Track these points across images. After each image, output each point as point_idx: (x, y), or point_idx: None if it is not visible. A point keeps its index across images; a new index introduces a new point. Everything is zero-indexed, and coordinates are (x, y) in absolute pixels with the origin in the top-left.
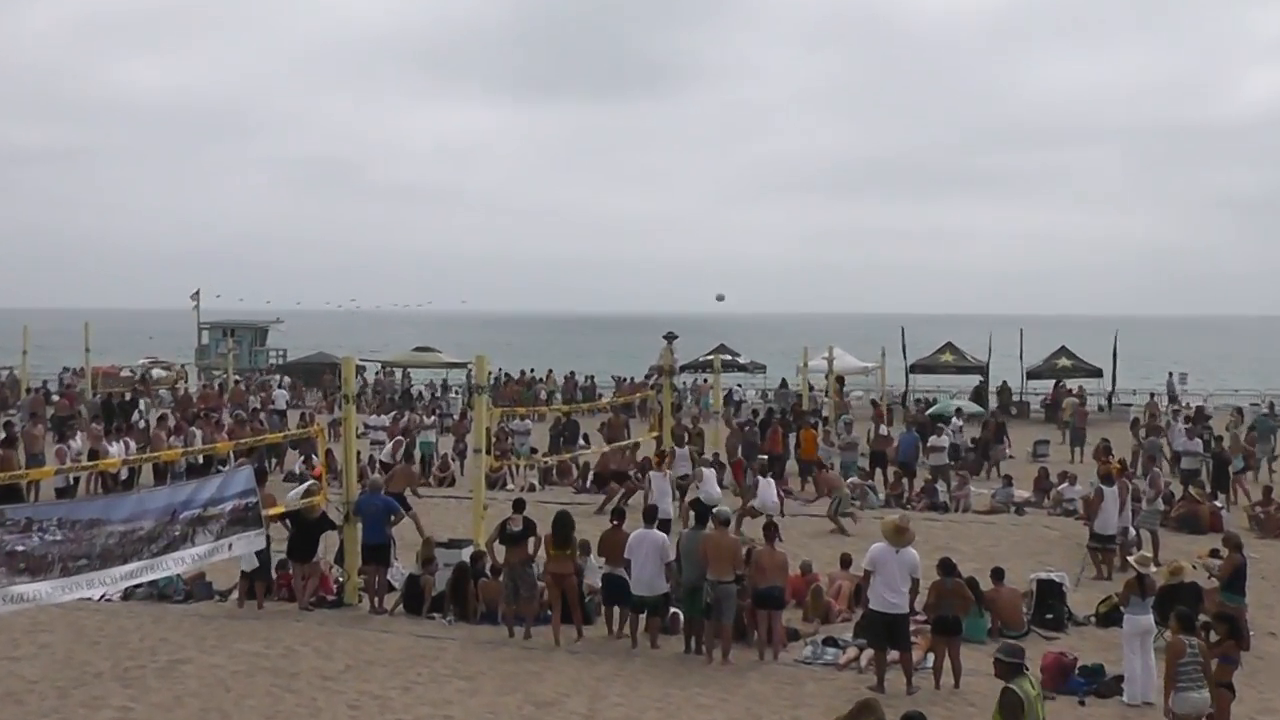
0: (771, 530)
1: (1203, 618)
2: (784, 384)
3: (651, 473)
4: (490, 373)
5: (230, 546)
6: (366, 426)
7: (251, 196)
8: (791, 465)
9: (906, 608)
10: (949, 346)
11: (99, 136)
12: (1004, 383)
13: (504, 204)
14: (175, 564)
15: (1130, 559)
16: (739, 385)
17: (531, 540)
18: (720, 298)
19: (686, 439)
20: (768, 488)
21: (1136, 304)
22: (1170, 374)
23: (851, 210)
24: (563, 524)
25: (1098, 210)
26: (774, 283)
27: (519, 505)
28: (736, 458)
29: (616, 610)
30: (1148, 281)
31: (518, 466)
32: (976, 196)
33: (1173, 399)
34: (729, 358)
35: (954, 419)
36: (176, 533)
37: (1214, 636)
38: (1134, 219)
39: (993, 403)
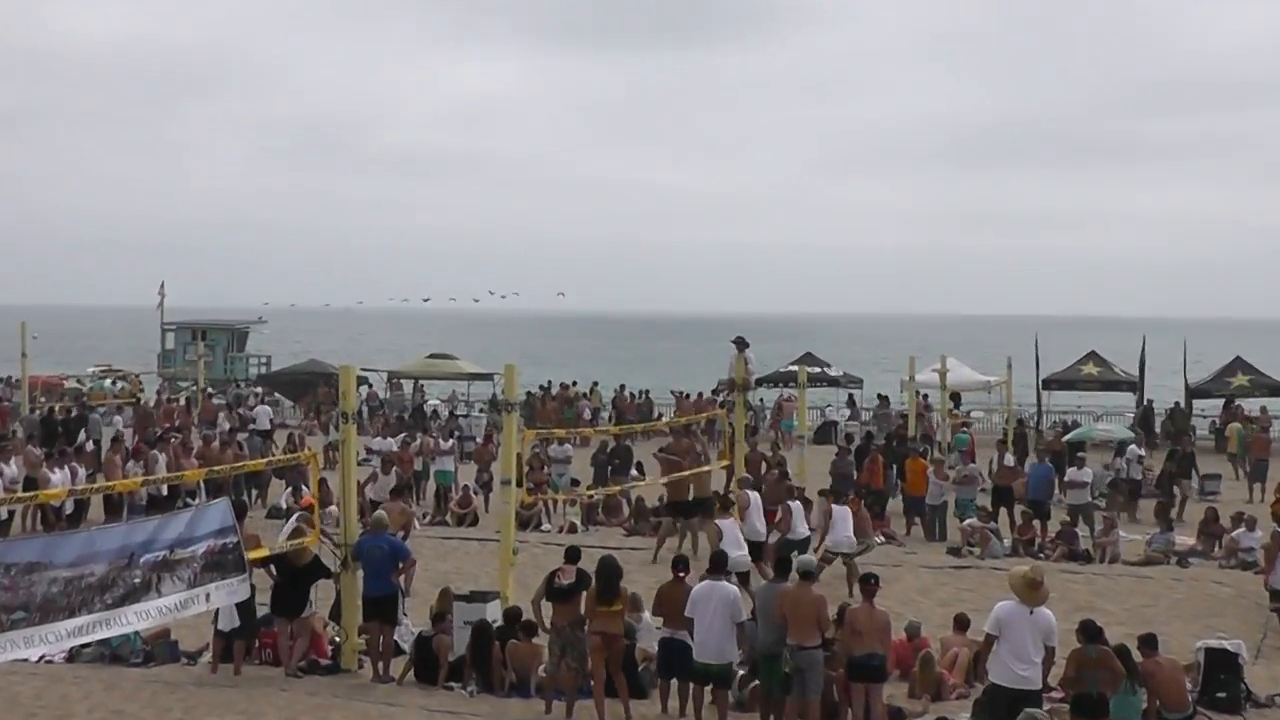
0: (870, 584)
1: None
2: (883, 402)
3: (720, 521)
4: (524, 387)
5: (207, 597)
6: (369, 451)
7: (228, 168)
8: (895, 503)
9: (1039, 682)
10: (1092, 356)
11: (39, 96)
12: (1176, 404)
13: (537, 176)
14: (137, 618)
15: None
16: (830, 404)
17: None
18: (560, 295)
19: (764, 469)
20: (843, 520)
21: None
22: None
23: (975, 186)
24: (608, 573)
25: None
26: (874, 276)
27: (572, 554)
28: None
29: (675, 682)
30: None
31: (555, 502)
32: (1131, 170)
33: None
34: (817, 369)
35: (1131, 447)
36: (137, 580)
37: None
38: None
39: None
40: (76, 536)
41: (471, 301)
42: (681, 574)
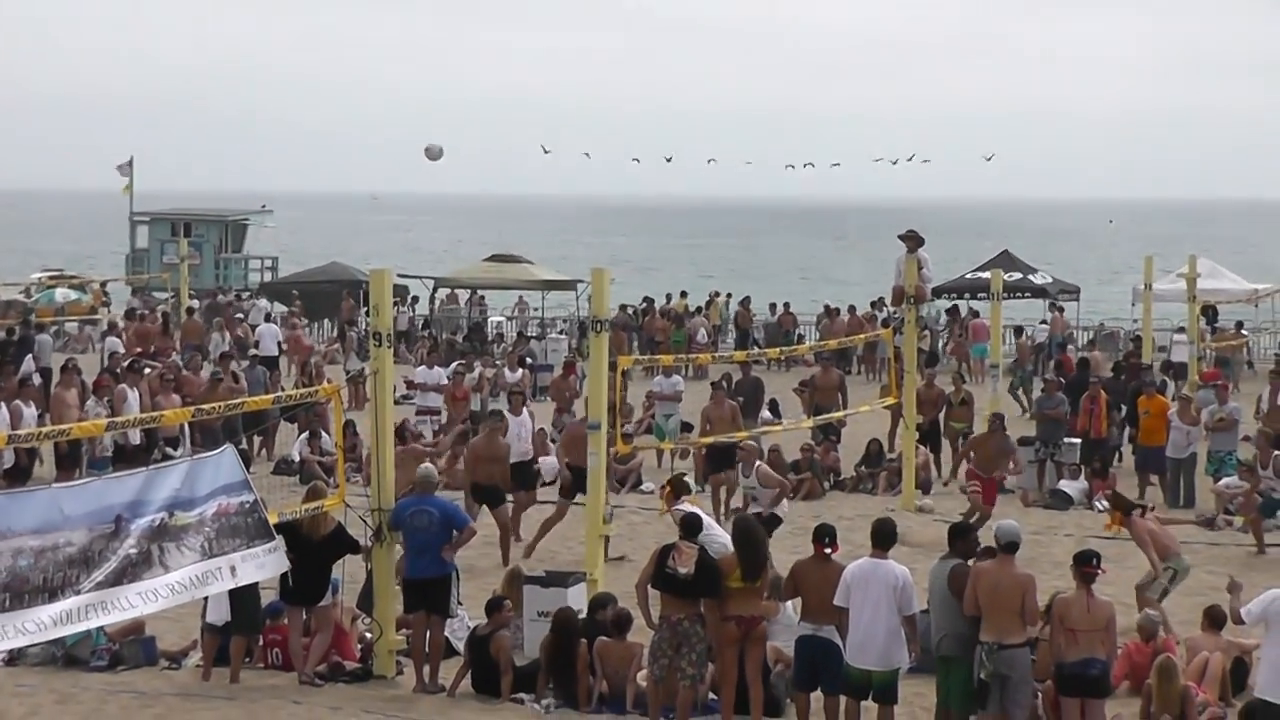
0: (1089, 565)
1: None
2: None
3: None
4: (618, 299)
5: (233, 570)
6: (411, 385)
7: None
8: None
9: None
10: None
11: None
12: None
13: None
14: (142, 600)
15: None
16: (1035, 321)
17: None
18: (374, 197)
19: (947, 410)
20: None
21: None
22: None
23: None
24: (751, 538)
25: None
26: (1100, 146)
27: (692, 525)
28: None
29: (820, 694)
30: None
31: (662, 453)
32: None
33: None
34: (1018, 275)
35: None
36: (132, 551)
37: None
38: None
39: None
40: (35, 495)
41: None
42: (828, 548)
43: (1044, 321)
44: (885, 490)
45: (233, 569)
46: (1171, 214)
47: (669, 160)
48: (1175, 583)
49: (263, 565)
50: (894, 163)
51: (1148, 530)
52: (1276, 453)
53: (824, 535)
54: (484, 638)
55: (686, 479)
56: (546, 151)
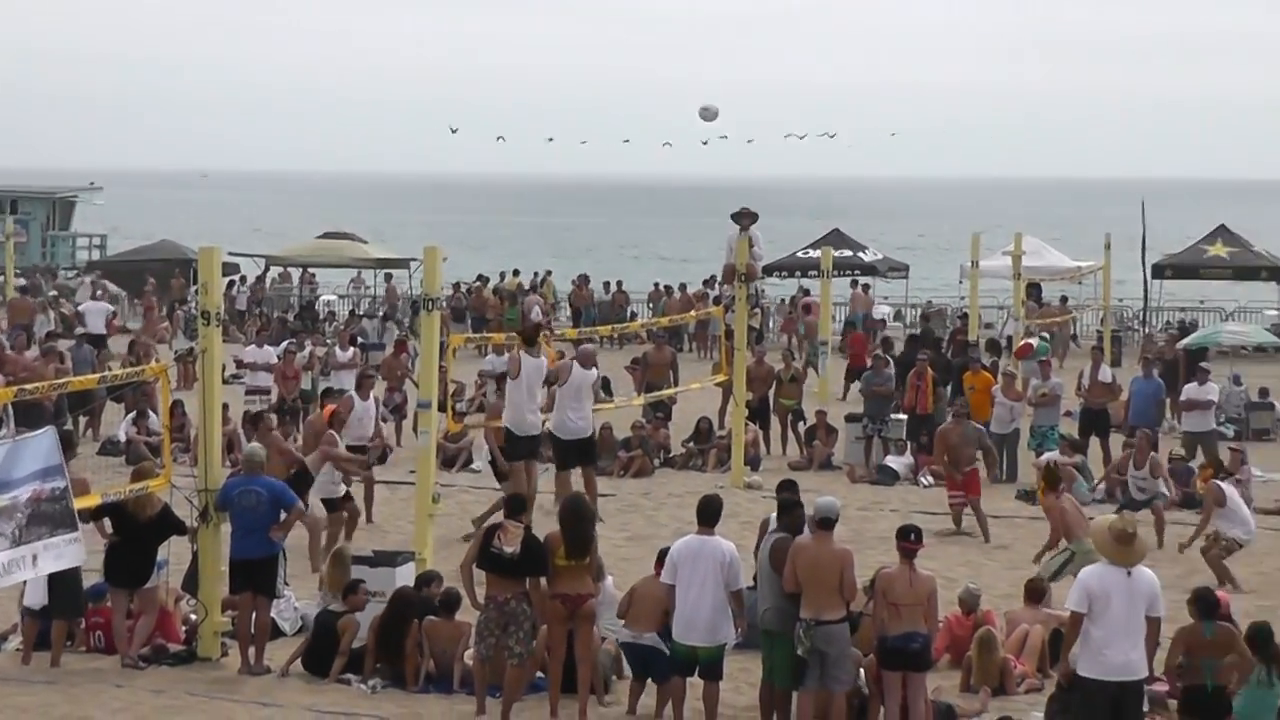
0: (910, 540)
1: None
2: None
3: None
4: (451, 277)
5: (35, 560)
6: (241, 364)
7: None
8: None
9: (1143, 668)
10: (1221, 233)
11: None
12: None
13: None
14: None
15: None
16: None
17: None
18: (204, 175)
19: (777, 387)
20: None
21: None
22: None
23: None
24: (577, 516)
25: None
26: (930, 129)
27: (515, 504)
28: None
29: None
30: None
31: (492, 432)
32: None
33: None
34: (848, 252)
35: None
36: None
37: None
38: None
39: None
40: None
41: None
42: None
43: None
44: (715, 467)
45: (34, 558)
46: (995, 190)
47: (500, 140)
48: (1072, 566)
49: (61, 555)
50: (723, 137)
51: (1062, 510)
52: (1154, 454)
53: (661, 556)
54: (335, 615)
55: None
56: (454, 131)
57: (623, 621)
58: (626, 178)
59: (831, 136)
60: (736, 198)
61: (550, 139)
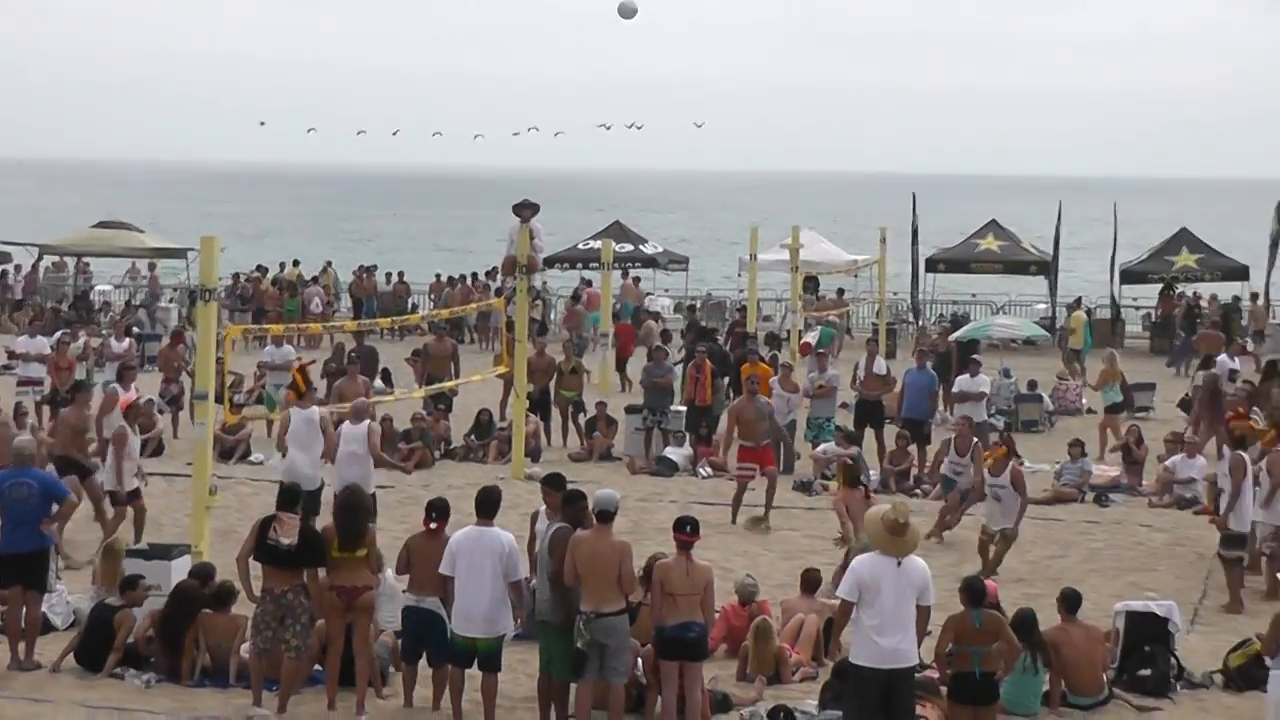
0: (686, 531)
1: None
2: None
3: None
4: (229, 267)
5: None
6: (13, 355)
7: None
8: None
9: (913, 656)
10: (992, 228)
11: None
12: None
13: None
14: None
15: None
16: (649, 292)
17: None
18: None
19: (558, 379)
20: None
21: None
22: None
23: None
24: (352, 508)
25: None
26: (716, 121)
27: (290, 496)
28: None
29: (425, 665)
30: None
31: (271, 423)
32: None
33: None
34: (629, 246)
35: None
36: None
37: None
38: None
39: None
40: None
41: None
42: (436, 522)
43: (649, 294)
44: (495, 459)
45: None
46: (775, 186)
47: (310, 131)
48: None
49: None
50: (533, 129)
51: (853, 501)
52: (976, 440)
53: (435, 509)
54: (111, 609)
55: None
56: (262, 124)
57: (399, 584)
58: (437, 170)
59: (640, 128)
60: (528, 189)
61: (361, 131)
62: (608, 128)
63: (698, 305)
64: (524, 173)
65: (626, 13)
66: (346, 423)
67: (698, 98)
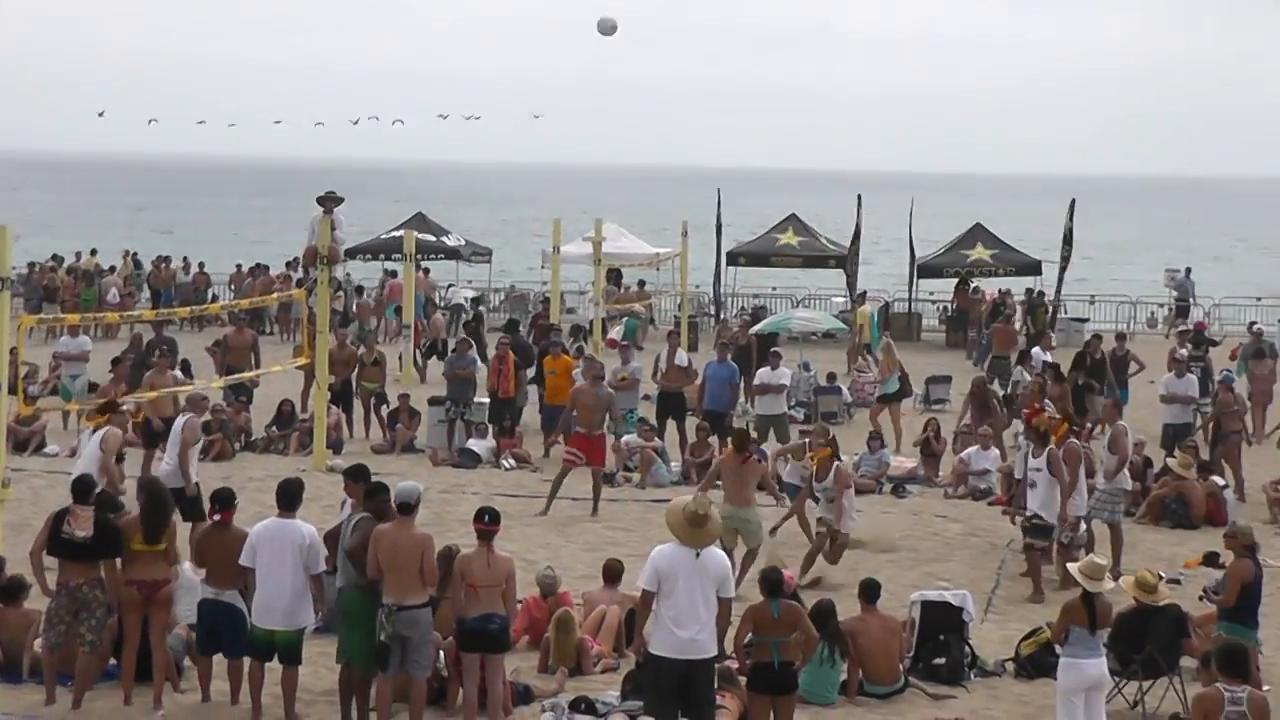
0: (486, 521)
1: (1188, 661)
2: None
3: None
4: (23, 255)
5: None
6: None
7: None
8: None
9: (712, 647)
10: (792, 222)
11: None
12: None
13: None
14: None
15: (1073, 567)
16: (451, 283)
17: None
18: None
19: (359, 370)
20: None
21: (1108, 159)
22: (1182, 271)
23: None
24: (155, 501)
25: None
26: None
27: (82, 488)
28: None
29: (221, 659)
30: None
31: (67, 415)
32: None
33: (1181, 312)
34: (430, 236)
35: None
36: None
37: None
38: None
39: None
40: None
41: None
42: (222, 514)
43: (450, 285)
44: (297, 451)
45: None
46: (581, 178)
47: (100, 114)
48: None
49: None
50: (373, 118)
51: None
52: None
53: (220, 500)
54: None
55: None
56: (100, 114)
57: (201, 574)
58: (274, 160)
59: (477, 119)
60: (352, 180)
61: (152, 120)
62: (444, 118)
63: (517, 300)
64: (358, 163)
65: (606, 29)
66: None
67: (526, 90)
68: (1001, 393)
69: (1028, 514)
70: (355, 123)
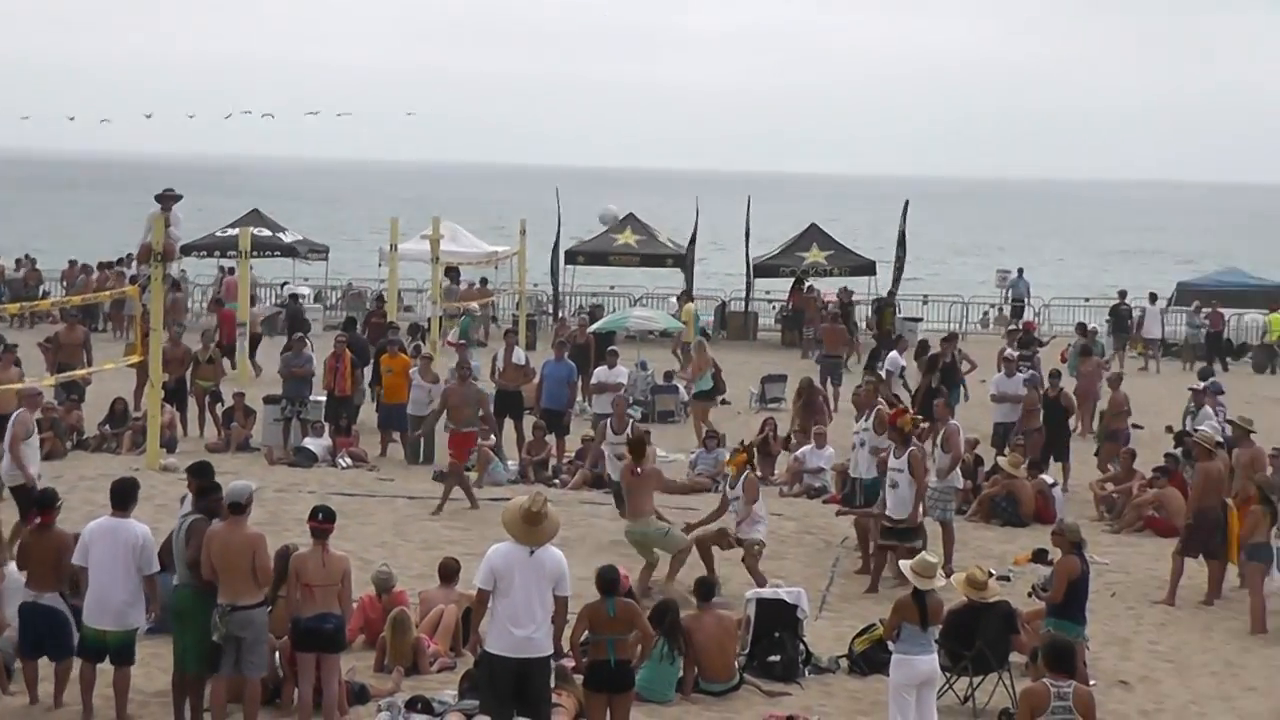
0: (320, 519)
1: (1017, 656)
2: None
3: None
4: None
5: None
6: None
7: None
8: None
9: (547, 646)
10: (630, 222)
11: None
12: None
13: None
14: None
15: (904, 565)
16: (290, 280)
17: None
18: None
19: (194, 368)
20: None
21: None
22: (1014, 271)
23: None
24: None
25: None
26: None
27: None
28: None
29: (48, 661)
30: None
31: None
32: None
33: (1016, 312)
34: (267, 232)
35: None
36: None
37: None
38: None
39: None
40: None
41: None
42: (42, 516)
43: (287, 281)
44: (130, 449)
45: None
46: (421, 176)
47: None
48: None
49: None
50: (246, 112)
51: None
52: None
53: (44, 500)
54: None
55: None
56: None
57: (21, 578)
58: (149, 157)
59: (349, 115)
60: (189, 176)
61: (71, 118)
62: (316, 114)
63: (354, 298)
64: (215, 161)
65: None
66: None
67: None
68: (834, 389)
69: (893, 518)
70: (228, 117)
